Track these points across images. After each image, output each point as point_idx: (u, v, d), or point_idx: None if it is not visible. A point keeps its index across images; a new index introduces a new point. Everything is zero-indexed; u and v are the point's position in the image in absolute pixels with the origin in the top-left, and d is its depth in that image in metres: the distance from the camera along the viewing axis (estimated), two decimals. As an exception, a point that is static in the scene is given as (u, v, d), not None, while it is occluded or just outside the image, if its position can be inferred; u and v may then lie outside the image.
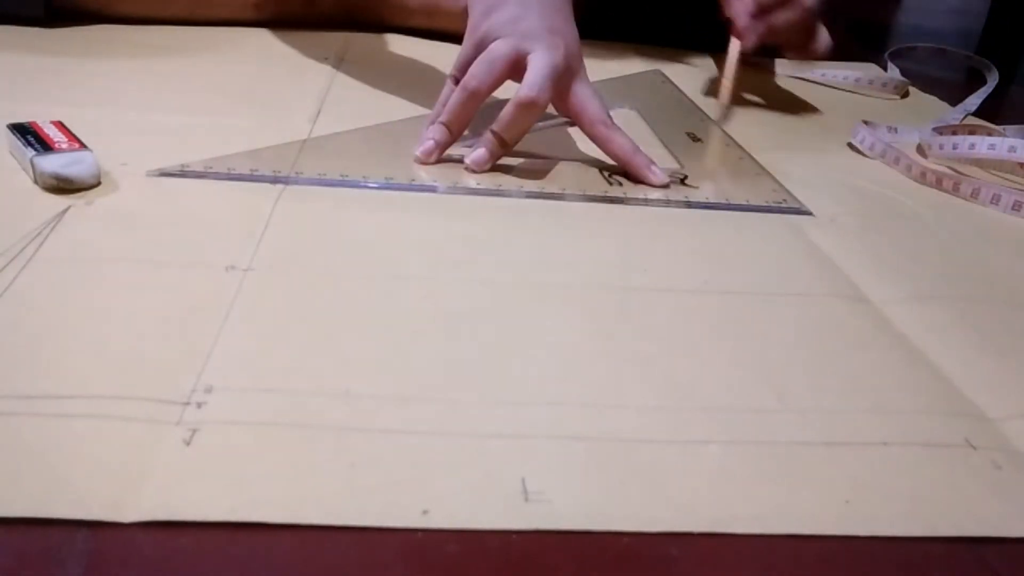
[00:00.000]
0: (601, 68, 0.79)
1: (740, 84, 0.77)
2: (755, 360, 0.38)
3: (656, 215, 0.52)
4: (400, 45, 0.84)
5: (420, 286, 0.41)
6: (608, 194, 0.54)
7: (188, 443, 0.30)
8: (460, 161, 0.55)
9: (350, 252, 0.44)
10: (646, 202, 0.54)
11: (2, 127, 0.51)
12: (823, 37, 0.76)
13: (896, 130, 0.71)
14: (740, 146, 0.65)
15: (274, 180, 0.51)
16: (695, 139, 0.66)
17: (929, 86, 0.89)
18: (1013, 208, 0.58)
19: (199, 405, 0.32)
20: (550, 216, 0.51)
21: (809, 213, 0.55)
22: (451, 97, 0.55)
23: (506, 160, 0.56)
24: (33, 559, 0.25)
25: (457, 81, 0.55)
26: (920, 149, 0.69)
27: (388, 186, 0.52)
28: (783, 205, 0.55)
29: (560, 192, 0.53)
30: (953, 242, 0.53)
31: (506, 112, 0.54)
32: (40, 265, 0.40)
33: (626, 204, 0.53)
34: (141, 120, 0.58)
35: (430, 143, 0.55)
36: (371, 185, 0.52)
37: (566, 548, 0.28)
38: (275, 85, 0.69)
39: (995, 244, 0.53)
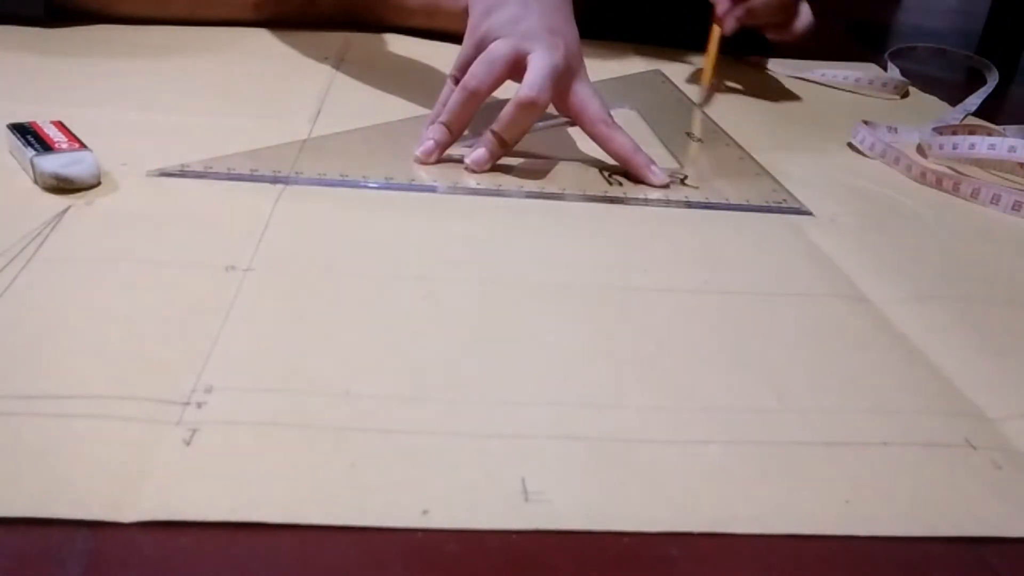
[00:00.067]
0: (601, 68, 0.79)
1: (720, 69, 0.80)
2: (755, 360, 0.38)
3: (656, 215, 0.52)
4: (400, 45, 0.84)
5: (420, 286, 0.41)
6: (608, 194, 0.54)
7: (188, 443, 0.30)
8: (460, 161, 0.55)
9: (350, 252, 0.44)
10: (646, 202, 0.54)
11: (2, 127, 0.51)
12: (804, 16, 0.77)
13: (896, 130, 0.71)
14: (740, 146, 0.65)
15: (274, 180, 0.51)
16: (695, 139, 0.66)
17: (929, 86, 0.89)
18: (1013, 208, 0.58)
19: (199, 405, 0.32)
20: (550, 216, 0.51)
21: (809, 213, 0.55)
22: (451, 97, 0.55)
23: (506, 160, 0.56)
24: (33, 559, 0.25)
25: (457, 81, 0.55)
26: (920, 149, 0.69)
27: (388, 186, 0.52)
28: (783, 205, 0.55)
29: (560, 192, 0.53)
30: (953, 242, 0.53)
31: (506, 112, 0.54)
32: (40, 265, 0.40)
33: (626, 204, 0.53)
34: (141, 120, 0.58)
35: (430, 143, 0.55)
36: (371, 185, 0.52)
37: (566, 548, 0.28)
38: (275, 85, 0.69)
39: (995, 244, 0.53)
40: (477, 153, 0.55)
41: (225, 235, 0.44)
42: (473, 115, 0.55)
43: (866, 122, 0.69)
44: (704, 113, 0.73)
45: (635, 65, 0.85)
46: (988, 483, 0.32)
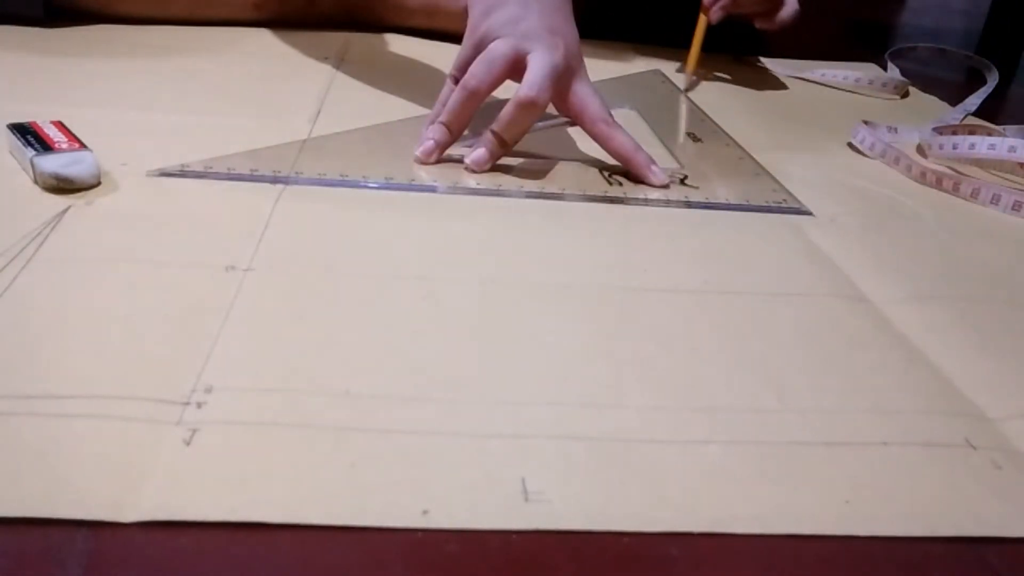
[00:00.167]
0: (601, 68, 0.79)
1: (704, 59, 0.82)
2: (755, 360, 0.38)
3: (656, 215, 0.52)
4: (400, 45, 0.84)
5: (420, 286, 0.41)
6: (608, 194, 0.54)
7: (188, 443, 0.30)
8: (460, 161, 0.55)
9: (350, 252, 0.44)
10: (646, 202, 0.54)
11: (2, 127, 0.51)
12: (790, 5, 0.79)
13: (896, 130, 0.71)
14: (740, 146, 0.65)
15: (274, 180, 0.51)
16: (695, 139, 0.66)
17: (929, 86, 0.89)
18: (1013, 208, 0.58)
19: (199, 405, 0.32)
20: (550, 216, 0.51)
21: (809, 213, 0.55)
22: (451, 97, 0.55)
23: (506, 160, 0.56)
24: (33, 559, 0.25)
25: (457, 81, 0.55)
26: (920, 149, 0.69)
27: (388, 186, 0.52)
28: (783, 205, 0.55)
29: (560, 192, 0.53)
30: (953, 242, 0.53)
31: (506, 112, 0.54)
32: (40, 265, 0.40)
33: (626, 204, 0.53)
34: (141, 120, 0.58)
35: (430, 143, 0.55)
36: (371, 185, 0.52)
37: (566, 548, 0.28)
38: (275, 85, 0.69)
39: (995, 244, 0.53)
40: (477, 153, 0.55)
41: (225, 235, 0.44)
42: (473, 115, 0.55)
43: (866, 122, 0.69)
44: (704, 113, 0.73)
45: (635, 65, 0.85)
46: (988, 483, 0.32)
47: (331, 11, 0.87)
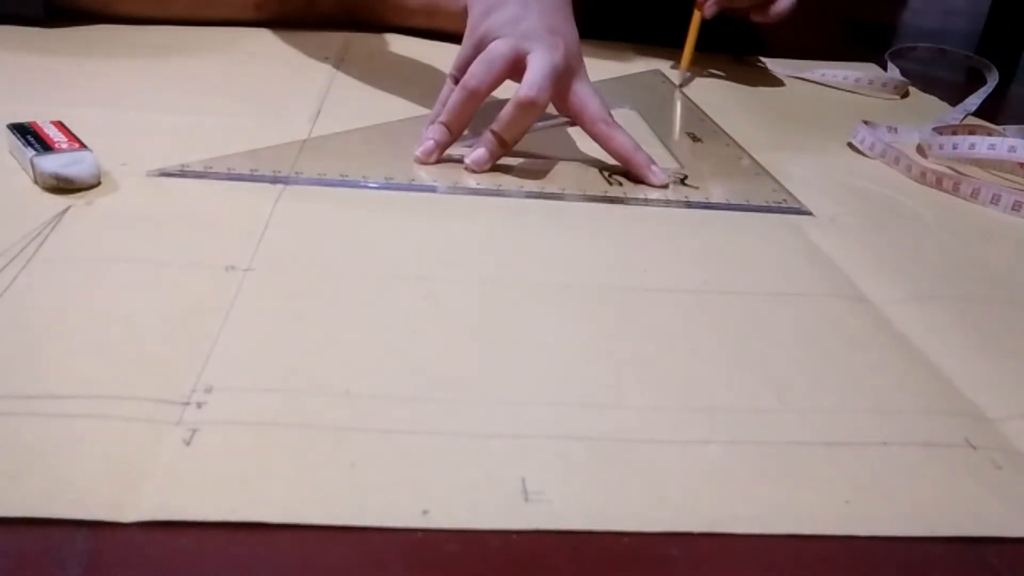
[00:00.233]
0: (601, 68, 0.79)
1: (698, 55, 0.82)
2: (755, 360, 0.38)
3: (656, 215, 0.52)
4: (400, 45, 0.84)
5: (420, 286, 0.41)
6: (608, 194, 0.54)
7: (188, 443, 0.30)
8: (460, 161, 0.55)
9: (350, 252, 0.44)
10: (646, 202, 0.54)
11: (2, 127, 0.51)
12: None
13: (896, 130, 0.71)
14: (740, 146, 0.65)
15: (274, 180, 0.51)
16: (695, 139, 0.66)
17: (929, 86, 0.89)
18: (1013, 208, 0.58)
19: (199, 405, 0.32)
20: (550, 216, 0.51)
21: (809, 213, 0.55)
22: (450, 97, 0.55)
23: (506, 160, 0.56)
24: (33, 559, 0.25)
25: (457, 81, 0.55)
26: (920, 149, 0.69)
27: (388, 186, 0.52)
28: (783, 205, 0.55)
29: (560, 192, 0.53)
30: (953, 242, 0.53)
31: (506, 112, 0.54)
32: (40, 265, 0.40)
33: (626, 204, 0.53)
34: (141, 120, 0.58)
35: (430, 143, 0.55)
36: (371, 185, 0.52)
37: (566, 548, 0.28)
38: (275, 85, 0.69)
39: (995, 244, 0.53)
40: (477, 153, 0.55)
41: (225, 235, 0.44)
42: (473, 115, 0.55)
43: (866, 122, 0.69)
44: (704, 113, 0.73)
45: (635, 65, 0.85)
46: (988, 483, 0.32)
47: (331, 11, 0.87)
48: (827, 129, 0.73)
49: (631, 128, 0.59)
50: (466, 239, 0.47)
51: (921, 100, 0.86)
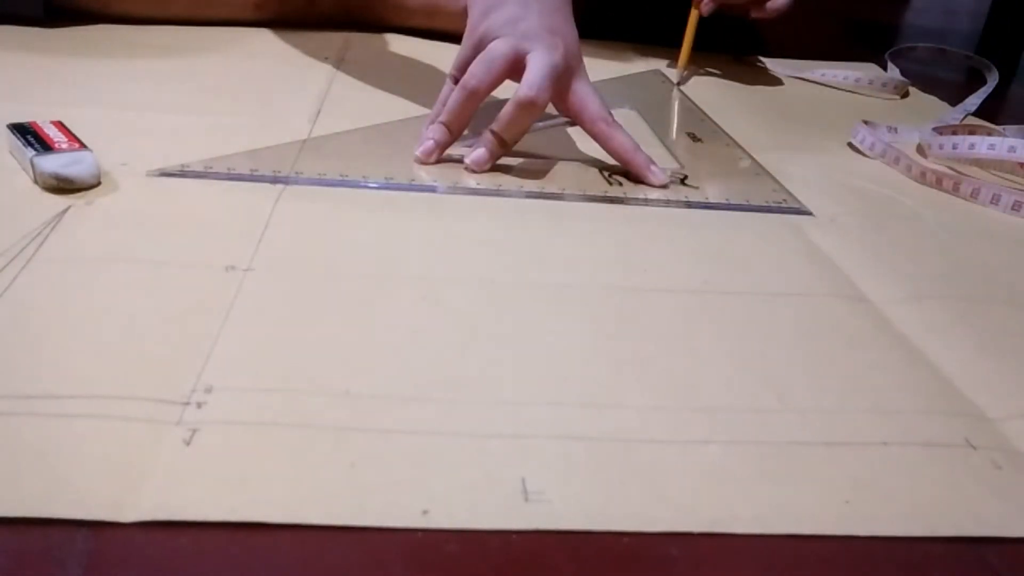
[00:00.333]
0: (601, 68, 0.79)
1: (696, 55, 0.82)
2: (755, 360, 0.38)
3: (656, 215, 0.52)
4: (400, 45, 0.84)
5: (420, 286, 0.41)
6: (608, 194, 0.54)
7: (188, 443, 0.30)
8: (460, 161, 0.55)
9: (350, 252, 0.44)
10: (646, 202, 0.54)
11: (2, 127, 0.51)
12: None
13: (896, 130, 0.71)
14: (740, 146, 0.65)
15: (274, 180, 0.51)
16: (695, 139, 0.66)
17: (929, 86, 0.89)
18: (1013, 208, 0.58)
19: (199, 405, 0.32)
20: (550, 216, 0.51)
21: (809, 213, 0.55)
22: (450, 97, 0.55)
23: (506, 160, 0.56)
24: (33, 559, 0.25)
25: (457, 81, 0.55)
26: (920, 149, 0.69)
27: (388, 186, 0.52)
28: (783, 205, 0.55)
29: (560, 192, 0.53)
30: (953, 242, 0.53)
31: (505, 112, 0.54)
32: (40, 265, 0.40)
33: (626, 204, 0.53)
34: (141, 120, 0.58)
35: (430, 143, 0.55)
36: (371, 185, 0.52)
37: (566, 548, 0.28)
38: (275, 85, 0.69)
39: (995, 244, 0.53)
40: (477, 153, 0.55)
41: (225, 235, 0.44)
42: (472, 114, 0.55)
43: (866, 122, 0.69)
44: (704, 113, 0.73)
45: (635, 65, 0.85)
46: (988, 483, 0.32)
47: (331, 11, 0.87)
48: (827, 129, 0.73)
49: (631, 128, 0.59)
50: (466, 239, 0.47)
51: (921, 100, 0.86)
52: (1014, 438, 0.35)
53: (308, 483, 0.29)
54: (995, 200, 0.59)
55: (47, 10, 0.77)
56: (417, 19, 0.87)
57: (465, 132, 0.56)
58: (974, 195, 0.60)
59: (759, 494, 0.30)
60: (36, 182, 0.47)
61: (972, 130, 0.70)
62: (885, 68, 0.95)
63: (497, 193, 0.53)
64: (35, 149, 0.47)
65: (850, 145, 0.69)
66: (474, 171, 0.55)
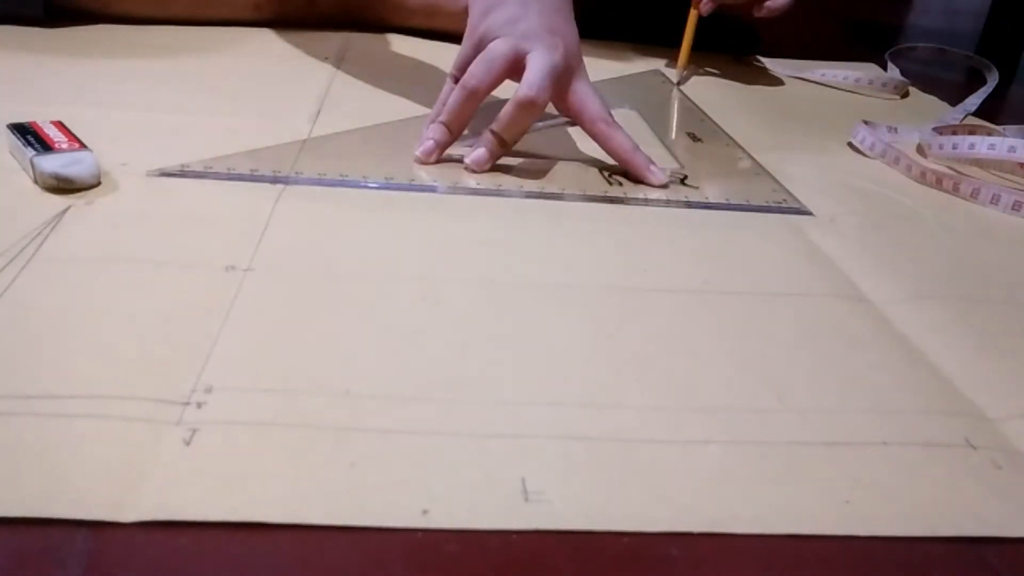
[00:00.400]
0: (601, 68, 0.79)
1: (696, 55, 0.82)
2: (755, 360, 0.38)
3: (656, 215, 0.52)
4: (400, 45, 0.84)
5: (420, 286, 0.41)
6: (608, 194, 0.54)
7: (188, 443, 0.30)
8: (460, 161, 0.55)
9: (350, 252, 0.44)
10: (646, 202, 0.54)
11: (2, 127, 0.51)
12: None
13: (896, 130, 0.71)
14: (740, 146, 0.65)
15: (274, 180, 0.51)
16: (695, 139, 0.66)
17: (929, 86, 0.89)
18: (1013, 208, 0.58)
19: (199, 405, 0.32)
20: (550, 216, 0.51)
21: (809, 213, 0.55)
22: (450, 96, 0.55)
23: (506, 160, 0.56)
24: (33, 559, 0.25)
25: (457, 80, 0.55)
26: (920, 149, 0.69)
27: (388, 186, 0.52)
28: (783, 205, 0.55)
29: (560, 192, 0.53)
30: (953, 242, 0.53)
31: (505, 112, 0.54)
32: (40, 265, 0.40)
33: (626, 204, 0.53)
34: (141, 120, 0.58)
35: (430, 143, 0.55)
36: (371, 185, 0.52)
37: (566, 548, 0.28)
38: (275, 85, 0.69)
39: (995, 244, 0.53)
40: (477, 153, 0.55)
41: (225, 235, 0.44)
42: (472, 114, 0.55)
43: (866, 122, 0.69)
44: (704, 113, 0.73)
45: (635, 65, 0.85)
46: (988, 483, 0.32)
47: (331, 11, 0.87)
48: (827, 129, 0.73)
49: (631, 128, 0.59)
50: (466, 239, 0.47)
51: (921, 100, 0.86)
52: (1014, 438, 0.35)
53: (308, 483, 0.29)
54: (995, 200, 0.59)
55: (47, 10, 0.77)
56: (417, 19, 0.87)
57: (465, 132, 0.56)
58: (974, 195, 0.60)
59: (759, 494, 0.30)
60: (36, 182, 0.47)
61: (972, 130, 0.70)
62: (885, 68, 0.95)
63: (497, 193, 0.53)
64: (35, 149, 0.47)
65: (850, 145, 0.69)
66: (474, 171, 0.55)
